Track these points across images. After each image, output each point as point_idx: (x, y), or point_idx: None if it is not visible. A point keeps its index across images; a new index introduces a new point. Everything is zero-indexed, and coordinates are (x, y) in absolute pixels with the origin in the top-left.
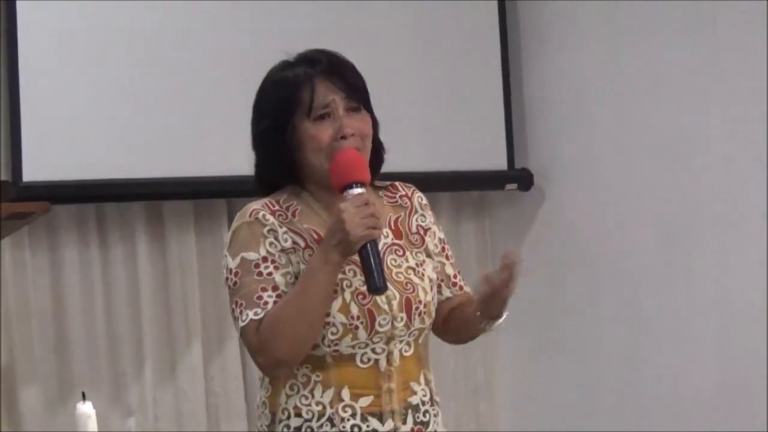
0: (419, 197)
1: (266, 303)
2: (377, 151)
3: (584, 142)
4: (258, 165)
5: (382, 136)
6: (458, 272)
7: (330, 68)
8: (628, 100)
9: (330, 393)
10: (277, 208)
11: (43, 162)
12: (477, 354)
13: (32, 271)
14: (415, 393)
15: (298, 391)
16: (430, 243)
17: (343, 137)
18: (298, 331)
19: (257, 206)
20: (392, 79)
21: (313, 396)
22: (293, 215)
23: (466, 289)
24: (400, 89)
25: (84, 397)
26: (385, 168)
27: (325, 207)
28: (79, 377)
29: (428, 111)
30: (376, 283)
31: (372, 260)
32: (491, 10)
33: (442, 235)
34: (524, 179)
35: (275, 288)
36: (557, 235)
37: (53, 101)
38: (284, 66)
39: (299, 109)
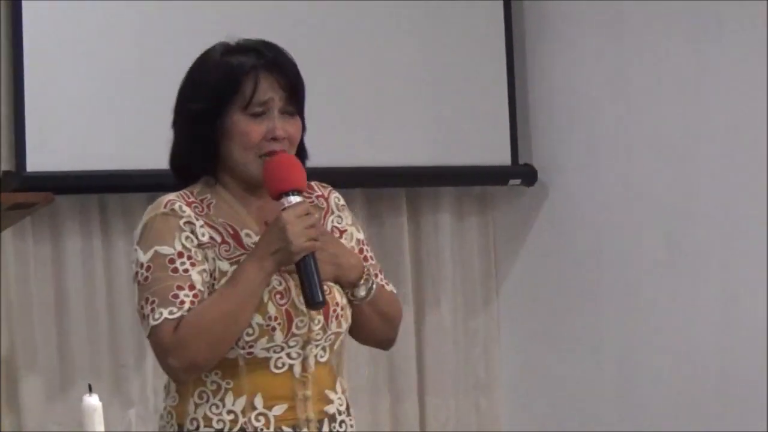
0: (336, 198)
1: (183, 302)
2: (299, 156)
3: (588, 138)
4: (175, 146)
5: (391, 132)
6: (380, 271)
7: (276, 64)
8: (632, 97)
9: (242, 401)
10: (192, 199)
11: (46, 152)
12: (478, 350)
13: (34, 262)
14: (331, 402)
15: (208, 400)
16: (347, 245)
17: (274, 139)
18: (221, 336)
19: (172, 197)
20: (397, 74)
21: (224, 404)
22: (208, 208)
23: (390, 287)
24: (405, 84)
25: (90, 389)
26: (390, 162)
27: (239, 200)
28: (80, 368)
29: (432, 106)
30: (315, 298)
31: (312, 273)
32: (497, 7)
33: (360, 236)
34: (528, 175)
35: (192, 287)
36: (560, 230)
37: (56, 91)
38: (226, 50)
39: (237, 99)
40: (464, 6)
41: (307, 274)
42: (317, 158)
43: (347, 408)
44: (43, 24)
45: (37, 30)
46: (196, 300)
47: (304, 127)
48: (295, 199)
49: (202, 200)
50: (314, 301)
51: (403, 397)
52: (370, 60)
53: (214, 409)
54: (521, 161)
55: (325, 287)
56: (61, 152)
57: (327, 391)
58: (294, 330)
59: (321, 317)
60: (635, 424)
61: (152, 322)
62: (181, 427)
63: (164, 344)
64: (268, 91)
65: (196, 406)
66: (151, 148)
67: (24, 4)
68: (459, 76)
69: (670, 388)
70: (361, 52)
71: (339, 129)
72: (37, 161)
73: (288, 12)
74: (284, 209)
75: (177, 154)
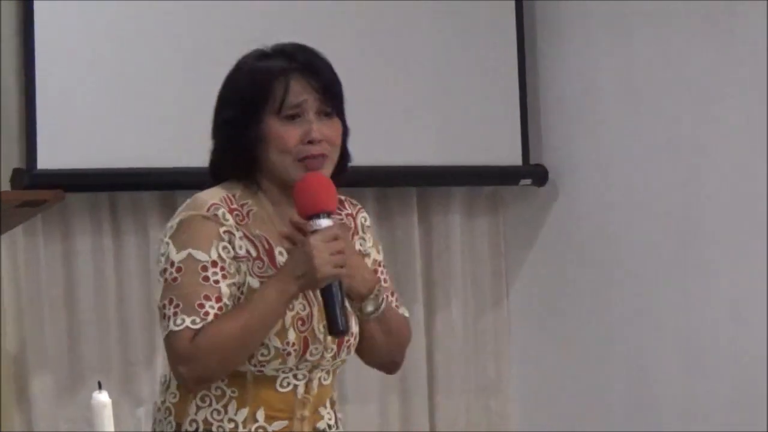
0: (363, 218)
1: (207, 313)
2: (342, 161)
3: (599, 138)
4: (214, 154)
5: (402, 131)
6: (392, 293)
7: (307, 66)
8: (643, 97)
9: (245, 412)
10: (234, 206)
11: (57, 150)
12: (488, 350)
13: (45, 259)
14: (322, 418)
15: (210, 404)
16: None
17: (311, 142)
18: (234, 353)
19: (216, 201)
20: (408, 73)
21: (226, 412)
22: (248, 216)
23: (402, 310)
24: (416, 84)
25: (100, 386)
26: (402, 162)
27: (277, 211)
28: (90, 366)
29: (444, 106)
30: (337, 327)
31: (335, 301)
32: (508, 7)
33: (379, 258)
34: (539, 175)
35: (219, 298)
36: (571, 231)
37: (68, 89)
38: (259, 56)
39: (269, 103)
40: (475, 6)
41: (331, 302)
42: None
43: (336, 422)
44: (55, 21)
45: (48, 27)
46: (219, 313)
47: (346, 128)
48: (324, 222)
49: (242, 206)
50: (336, 330)
51: (413, 396)
52: (381, 59)
53: (215, 414)
54: (532, 161)
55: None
56: (71, 150)
57: (320, 408)
58: (307, 356)
59: (335, 346)
60: (646, 424)
61: (173, 327)
62: (179, 426)
63: (179, 352)
64: (301, 93)
65: (198, 408)
66: (162, 146)
67: (36, 2)
68: (470, 75)
69: (680, 388)
70: (372, 51)
71: (350, 128)
72: (48, 159)
73: (300, 11)
74: (312, 233)
75: (216, 159)
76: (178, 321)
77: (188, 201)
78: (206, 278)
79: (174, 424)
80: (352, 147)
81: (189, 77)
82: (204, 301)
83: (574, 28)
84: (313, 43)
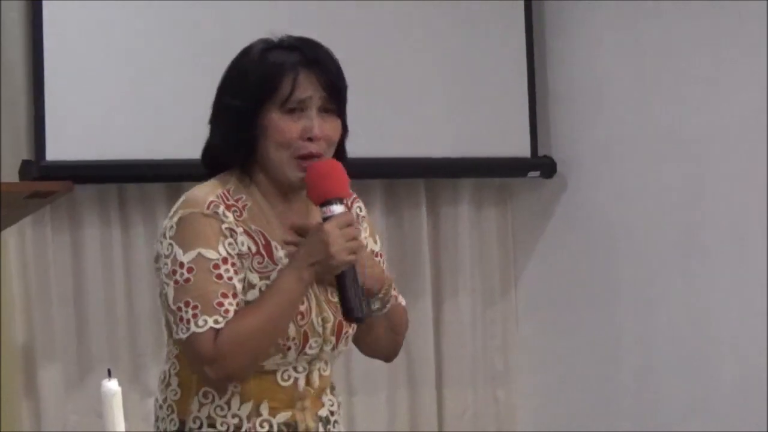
0: (358, 208)
1: (227, 311)
2: (337, 159)
3: (607, 130)
4: (212, 140)
5: (410, 123)
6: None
7: (316, 61)
8: (651, 89)
9: (248, 406)
10: (230, 202)
11: (65, 141)
12: (495, 341)
13: (53, 251)
14: (323, 405)
15: (213, 401)
16: None
17: (310, 139)
18: (260, 347)
19: (213, 198)
20: (417, 65)
21: (229, 407)
22: (243, 210)
23: (401, 299)
24: (425, 75)
25: (110, 374)
26: (410, 154)
27: (272, 208)
28: (98, 357)
29: (452, 97)
30: (355, 312)
31: (352, 287)
32: None
33: (376, 248)
34: (547, 167)
35: (235, 295)
36: (579, 222)
37: (76, 81)
38: (268, 46)
39: (275, 96)
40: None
41: (347, 288)
42: None
43: (337, 407)
44: (63, 13)
45: (57, 19)
46: (237, 309)
47: (346, 128)
48: (338, 209)
49: (237, 200)
50: (354, 315)
51: (421, 387)
52: (389, 51)
53: (219, 410)
54: (540, 153)
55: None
56: (80, 141)
57: (321, 396)
58: (307, 350)
59: (334, 338)
60: (653, 415)
61: (195, 329)
62: (183, 424)
63: (204, 354)
64: (308, 89)
65: (201, 405)
66: (171, 138)
67: None
68: (479, 67)
69: (687, 379)
70: (381, 43)
71: (359, 120)
72: (56, 150)
73: (310, 4)
74: (327, 219)
75: (214, 147)
76: (200, 322)
77: (183, 198)
78: (219, 276)
79: (177, 421)
80: (361, 138)
81: (198, 69)
82: (222, 299)
83: (583, 19)
84: (324, 34)
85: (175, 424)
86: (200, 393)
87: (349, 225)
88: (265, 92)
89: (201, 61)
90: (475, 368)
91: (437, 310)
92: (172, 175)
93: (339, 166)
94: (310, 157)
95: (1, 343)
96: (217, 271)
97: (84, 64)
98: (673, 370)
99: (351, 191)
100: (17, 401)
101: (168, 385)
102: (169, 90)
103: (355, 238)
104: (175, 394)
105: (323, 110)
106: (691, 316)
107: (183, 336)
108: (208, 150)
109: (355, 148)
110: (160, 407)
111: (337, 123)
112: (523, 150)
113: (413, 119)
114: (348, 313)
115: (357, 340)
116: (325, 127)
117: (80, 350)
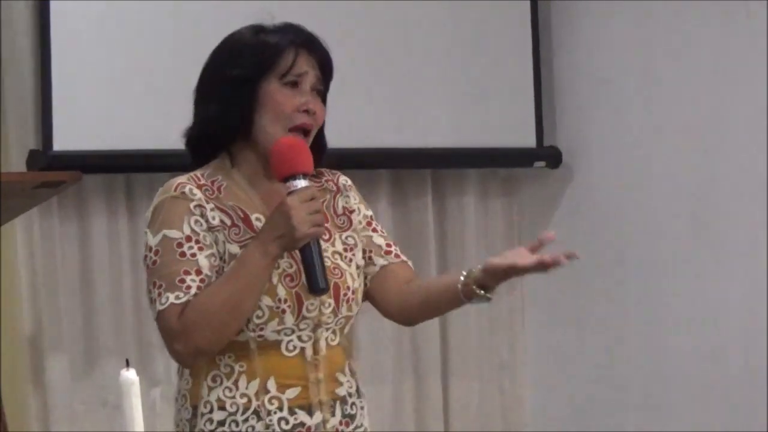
0: (344, 180)
1: (189, 287)
2: (320, 142)
3: (613, 120)
4: (203, 118)
5: (416, 114)
6: (393, 243)
7: (311, 41)
8: (657, 79)
9: (255, 384)
10: (203, 182)
11: (73, 131)
12: (502, 331)
13: (60, 240)
14: (341, 384)
15: (221, 383)
16: (356, 221)
17: (306, 111)
18: (226, 321)
19: (182, 180)
20: (422, 55)
21: (237, 387)
22: (219, 191)
23: (404, 258)
24: (431, 66)
25: (128, 363)
26: (416, 144)
27: (250, 183)
28: (106, 346)
29: (458, 88)
30: (318, 284)
31: (315, 259)
32: None
33: (369, 213)
34: (553, 157)
35: (198, 271)
36: (585, 213)
37: (84, 70)
38: (259, 30)
39: (277, 67)
40: None
41: (308, 261)
42: (344, 140)
43: (357, 390)
44: (71, 4)
45: (64, 9)
46: (202, 285)
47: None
48: (301, 183)
49: (212, 182)
50: (315, 287)
51: (427, 378)
52: (396, 43)
53: (227, 392)
54: (546, 143)
55: (337, 271)
56: (88, 131)
57: (337, 374)
58: (304, 313)
59: (331, 300)
60: (659, 406)
61: (159, 307)
62: (195, 409)
63: (170, 329)
64: (305, 65)
65: (210, 389)
66: (178, 127)
67: None
68: (484, 57)
69: (694, 370)
70: (387, 33)
71: (365, 111)
72: (64, 140)
73: None
74: (290, 193)
75: (204, 125)
76: (163, 300)
77: (159, 189)
78: (183, 254)
79: (190, 408)
80: (369, 129)
81: (205, 60)
82: (184, 276)
83: (589, 9)
84: (332, 26)
85: (188, 412)
86: (209, 378)
87: (312, 198)
88: (266, 62)
89: (209, 51)
90: (481, 358)
91: None
92: (179, 165)
93: (302, 144)
94: (302, 127)
95: (8, 333)
96: (180, 249)
97: (91, 54)
98: (680, 360)
99: (334, 171)
100: (25, 391)
101: (182, 375)
102: (176, 80)
103: (317, 212)
104: (187, 383)
105: (315, 89)
106: (699, 306)
107: (154, 317)
108: (193, 134)
109: (361, 139)
110: (176, 399)
111: (323, 106)
112: (528, 140)
113: (419, 110)
114: (310, 285)
115: (412, 308)
116: (317, 104)
117: (87, 339)
